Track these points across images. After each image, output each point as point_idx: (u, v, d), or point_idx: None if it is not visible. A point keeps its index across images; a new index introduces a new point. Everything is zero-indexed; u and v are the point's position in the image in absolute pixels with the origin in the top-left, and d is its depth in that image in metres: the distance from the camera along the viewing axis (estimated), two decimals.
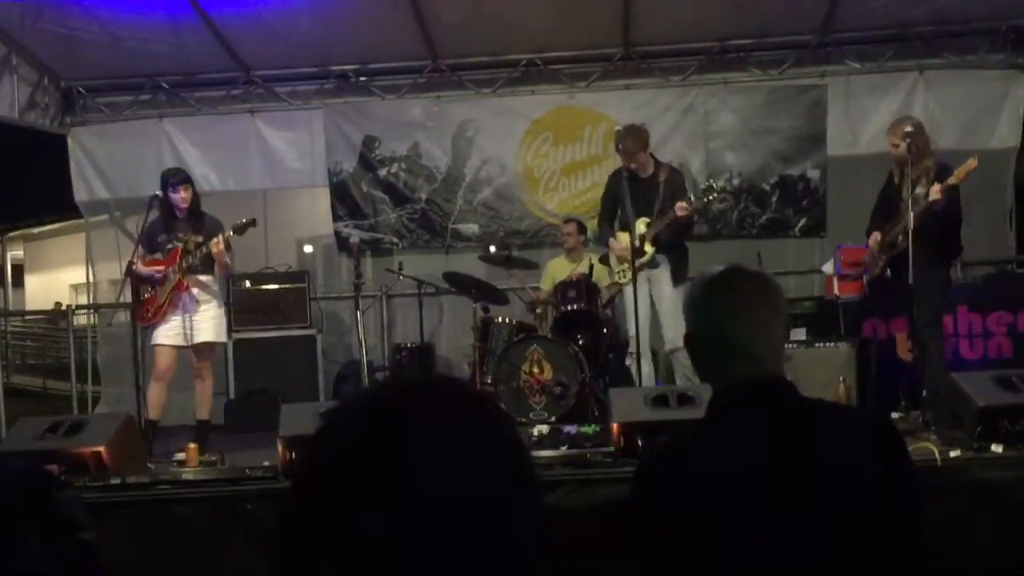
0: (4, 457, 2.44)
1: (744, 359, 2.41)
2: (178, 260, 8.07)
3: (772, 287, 2.54)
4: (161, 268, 8.11)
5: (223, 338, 8.64)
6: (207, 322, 8.23)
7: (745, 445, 2.31)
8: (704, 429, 2.43)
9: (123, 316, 10.92)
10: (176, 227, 8.22)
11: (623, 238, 8.38)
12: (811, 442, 2.33)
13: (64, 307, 12.57)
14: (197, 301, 8.18)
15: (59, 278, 28.43)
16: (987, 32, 10.65)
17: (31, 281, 32.79)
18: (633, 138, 8.35)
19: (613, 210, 8.63)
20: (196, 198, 8.31)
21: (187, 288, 8.11)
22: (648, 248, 8.27)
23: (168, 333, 8.16)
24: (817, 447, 2.32)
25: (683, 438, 2.48)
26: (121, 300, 9.03)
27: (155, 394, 8.16)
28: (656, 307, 8.44)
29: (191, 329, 8.15)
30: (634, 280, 8.07)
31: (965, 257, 9.38)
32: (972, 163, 7.27)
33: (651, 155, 8.50)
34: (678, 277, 8.38)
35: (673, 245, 8.37)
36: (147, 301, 8.15)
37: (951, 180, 7.25)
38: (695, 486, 2.28)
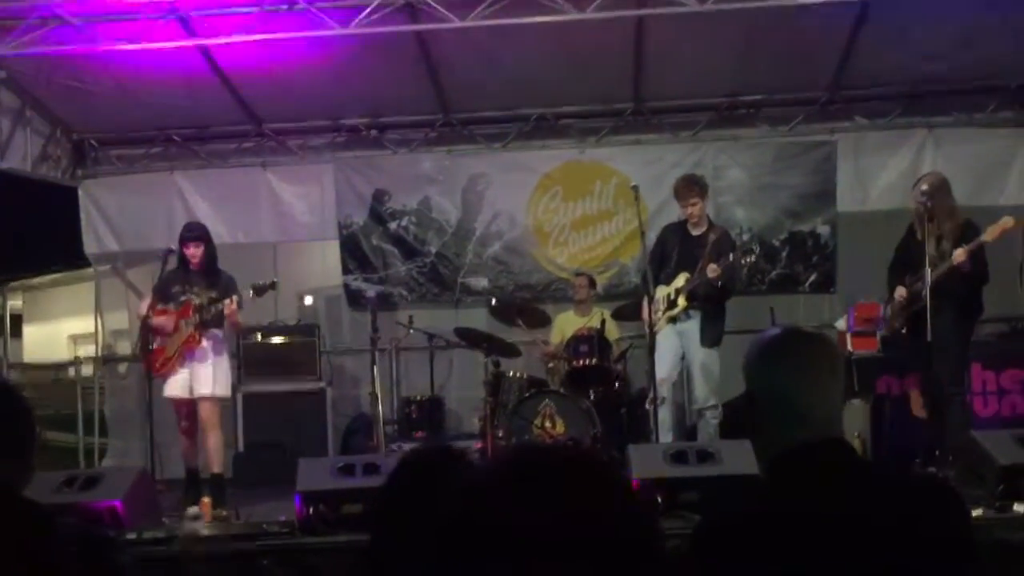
0: (59, 517, 2.41)
1: (803, 421, 2.40)
2: (191, 314, 8.10)
3: (830, 348, 2.54)
4: (172, 320, 8.12)
5: (227, 392, 8.61)
6: (213, 375, 8.26)
7: (809, 510, 2.29)
8: (767, 494, 2.41)
9: (131, 367, 10.94)
10: (191, 280, 8.26)
11: (662, 290, 8.47)
12: (874, 505, 2.31)
13: (75, 358, 12.52)
14: (206, 354, 8.22)
15: (58, 328, 28.31)
16: (995, 90, 10.71)
17: (29, 331, 32.64)
18: (687, 184, 8.49)
19: (659, 262, 8.66)
20: (211, 254, 8.35)
21: (199, 342, 8.13)
22: (681, 301, 8.32)
23: (174, 386, 8.21)
24: (881, 511, 2.30)
25: (746, 507, 2.46)
26: (136, 351, 9.01)
27: (185, 444, 8.27)
28: (687, 364, 8.46)
29: (197, 382, 8.20)
30: (649, 333, 8.05)
31: None
32: (1008, 222, 7.27)
33: (707, 214, 8.64)
34: (711, 337, 8.38)
35: (709, 300, 8.38)
36: (156, 352, 8.15)
37: (984, 238, 7.26)
38: (760, 554, 2.25)
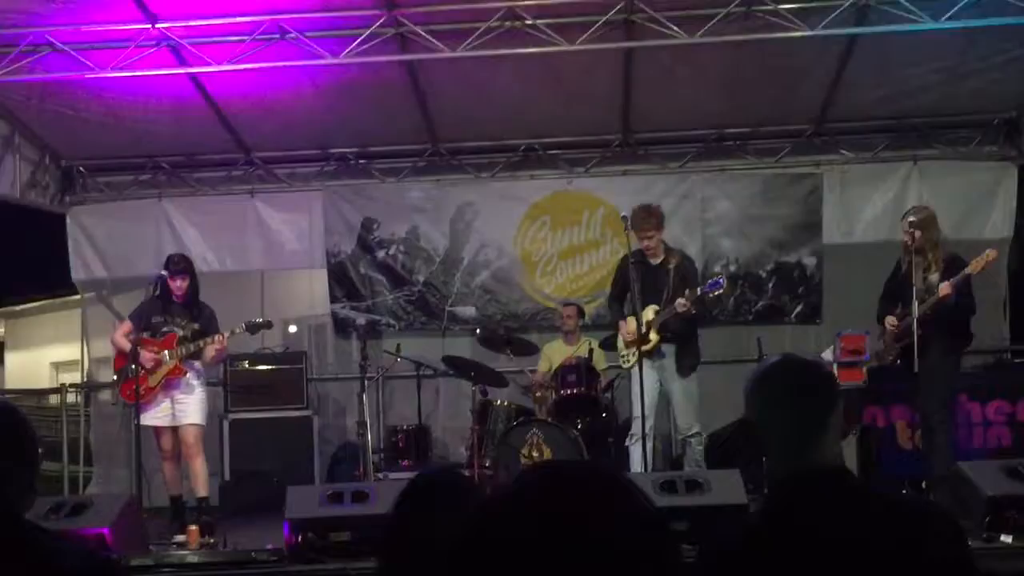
0: (63, 542, 2.40)
1: (801, 451, 2.43)
2: (175, 346, 8.11)
3: (825, 377, 2.57)
4: (156, 350, 8.12)
5: (204, 421, 8.52)
6: (193, 405, 8.31)
7: (811, 535, 2.32)
8: (767, 522, 2.44)
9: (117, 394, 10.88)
10: (173, 311, 8.27)
11: (631, 323, 8.38)
12: (875, 531, 2.33)
13: (60, 385, 12.46)
14: (188, 385, 8.25)
15: (41, 355, 28.19)
16: (980, 124, 10.86)
17: (11, 359, 32.48)
18: (645, 215, 8.36)
19: (623, 292, 8.63)
20: (195, 288, 8.37)
21: (183, 373, 8.16)
22: (653, 336, 8.24)
23: (156, 415, 8.26)
24: (881, 536, 2.33)
25: (748, 531, 2.48)
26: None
27: (169, 472, 8.30)
28: (668, 396, 8.42)
29: (178, 411, 8.25)
30: (640, 366, 8.04)
31: None
32: (991, 255, 7.38)
33: (663, 241, 8.49)
34: (687, 365, 8.36)
35: (681, 334, 8.37)
36: (137, 381, 8.12)
37: (968, 270, 7.34)
38: None
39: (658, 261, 8.38)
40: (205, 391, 8.48)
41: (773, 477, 2.52)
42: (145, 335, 8.20)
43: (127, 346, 8.13)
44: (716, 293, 8.31)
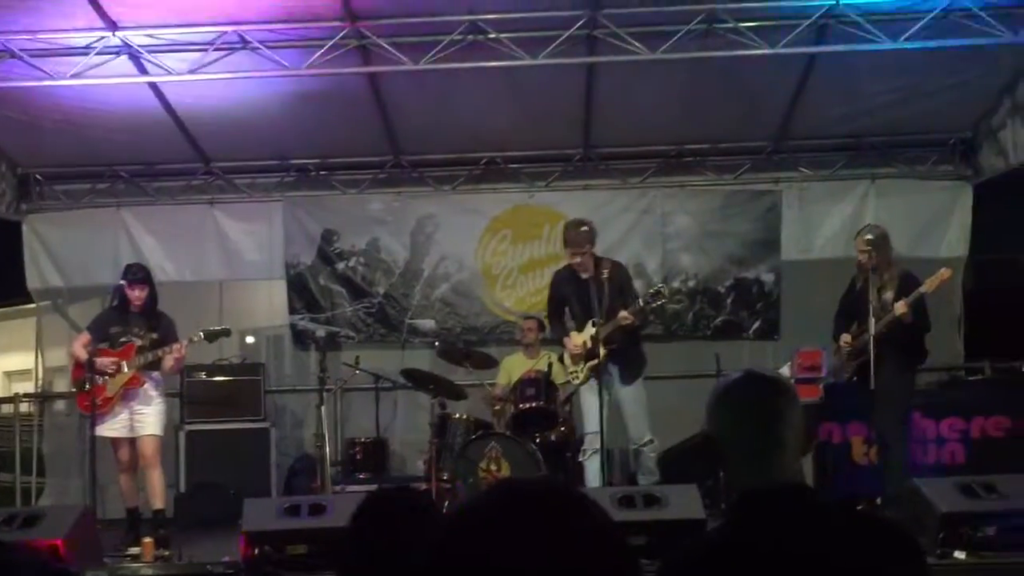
0: (16, 553, 2.37)
1: (761, 466, 2.44)
2: (133, 355, 8.04)
3: (787, 393, 2.58)
4: (114, 361, 8.04)
5: (163, 432, 8.43)
6: (152, 416, 8.21)
7: (771, 554, 2.33)
8: (727, 537, 2.45)
9: (70, 404, 10.77)
10: (130, 321, 8.19)
11: (576, 338, 8.39)
12: (833, 547, 2.35)
13: (14, 395, 12.31)
14: (147, 395, 8.17)
15: None
16: (936, 144, 10.99)
17: None
18: (577, 231, 8.34)
19: (560, 309, 8.65)
20: (153, 297, 8.30)
21: (141, 384, 8.08)
22: (602, 350, 8.16)
23: (114, 426, 8.16)
24: (840, 552, 2.34)
25: (709, 546, 2.49)
26: (71, 388, 8.93)
27: (126, 483, 8.22)
28: (617, 407, 8.41)
29: (136, 422, 8.15)
30: (599, 378, 8.06)
31: None
32: (945, 273, 7.47)
33: (592, 254, 8.39)
34: (632, 374, 8.38)
35: (625, 345, 8.36)
36: (94, 391, 8.04)
37: (923, 288, 7.42)
38: None
39: (589, 274, 8.34)
40: (164, 402, 8.39)
41: (732, 492, 2.53)
42: (103, 346, 8.13)
43: (85, 357, 8.06)
44: (659, 303, 8.35)
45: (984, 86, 10.01)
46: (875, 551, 2.36)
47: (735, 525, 2.44)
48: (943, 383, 10.14)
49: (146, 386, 8.14)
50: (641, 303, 8.15)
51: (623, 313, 8.03)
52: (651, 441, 8.39)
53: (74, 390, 8.62)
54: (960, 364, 10.87)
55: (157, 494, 8.22)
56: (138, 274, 8.30)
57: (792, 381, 9.19)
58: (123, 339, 8.15)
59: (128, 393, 8.09)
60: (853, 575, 2.31)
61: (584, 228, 8.38)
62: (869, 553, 2.35)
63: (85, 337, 8.27)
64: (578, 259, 8.30)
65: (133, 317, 8.20)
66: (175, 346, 8.02)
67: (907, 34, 8.43)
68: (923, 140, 10.96)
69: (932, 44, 8.56)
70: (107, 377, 8.04)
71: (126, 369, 8.05)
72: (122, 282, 8.17)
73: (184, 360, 8.31)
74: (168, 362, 8.10)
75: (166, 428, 8.58)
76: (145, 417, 8.14)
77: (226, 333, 8.30)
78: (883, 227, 8.29)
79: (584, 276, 8.34)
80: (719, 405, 2.53)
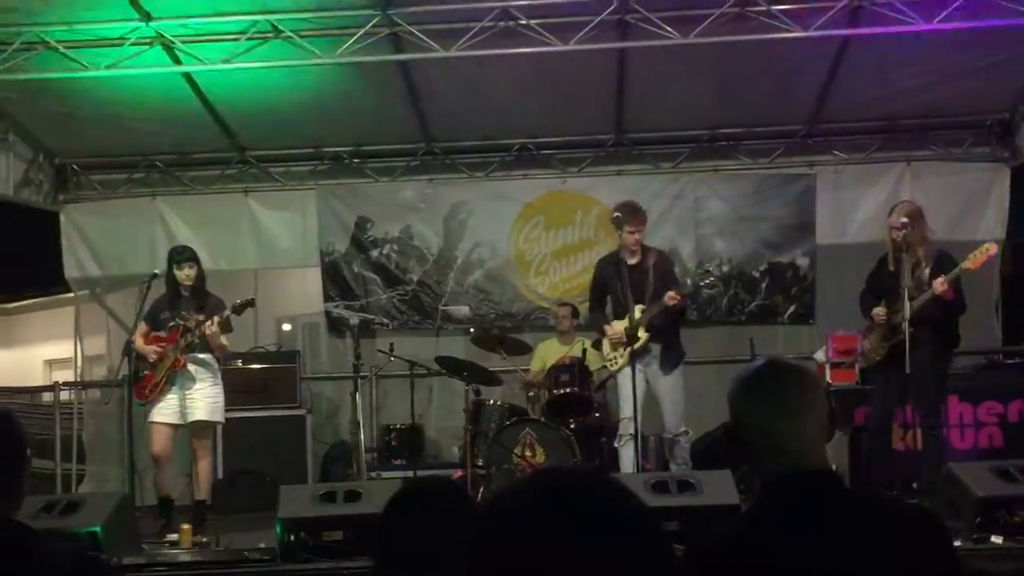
0: (53, 541, 2.42)
1: (785, 453, 2.44)
2: (178, 338, 8.06)
3: (811, 381, 2.58)
4: (161, 346, 8.09)
5: (219, 417, 8.38)
6: (203, 400, 8.17)
7: (794, 540, 2.33)
8: (753, 524, 2.45)
9: (116, 392, 10.85)
10: (180, 305, 8.22)
11: (617, 325, 8.39)
12: (858, 535, 2.34)
13: (54, 383, 12.43)
14: (194, 379, 8.15)
15: (34, 353, 28.17)
16: (972, 126, 10.88)
17: (4, 356, 32.44)
18: (635, 210, 8.41)
19: (602, 297, 8.66)
20: (201, 276, 8.33)
21: (184, 366, 8.08)
22: (642, 334, 8.24)
23: (164, 411, 8.13)
24: (865, 540, 2.34)
25: (733, 532, 2.49)
26: (120, 376, 8.95)
27: (157, 472, 8.22)
28: (654, 394, 8.42)
29: (186, 407, 8.12)
30: (632, 366, 8.06)
31: None
32: (991, 248, 7.33)
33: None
34: (672, 362, 8.39)
35: (665, 330, 8.38)
36: (145, 379, 8.12)
37: (966, 265, 7.28)
38: None
39: (636, 260, 8.38)
40: (214, 386, 8.28)
41: (759, 479, 2.53)
42: (160, 333, 8.19)
43: (141, 346, 8.13)
44: (707, 282, 8.38)
45: (1020, 66, 9.88)
46: (901, 537, 2.36)
47: (758, 512, 2.45)
48: (980, 367, 10.05)
49: (191, 369, 8.12)
50: (689, 284, 8.15)
51: (670, 293, 8.04)
52: (686, 432, 8.40)
53: (124, 378, 8.61)
54: (997, 348, 10.77)
55: (201, 485, 8.20)
56: (184, 253, 8.35)
57: (827, 365, 9.18)
58: (171, 324, 8.19)
59: (174, 377, 8.11)
60: (877, 562, 2.31)
61: (638, 207, 8.48)
62: (894, 539, 2.35)
63: (143, 327, 8.30)
64: (636, 235, 8.32)
65: (183, 301, 8.22)
66: (205, 324, 7.96)
67: (941, 15, 8.33)
68: (959, 122, 10.84)
69: (966, 25, 8.46)
70: (155, 364, 8.09)
71: (171, 353, 8.08)
72: (156, 271, 8.22)
73: (221, 339, 8.07)
74: (214, 340, 8.05)
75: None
76: (194, 402, 8.12)
77: (251, 303, 8.23)
78: (916, 203, 8.19)
79: (632, 262, 8.37)
80: (740, 393, 2.54)
